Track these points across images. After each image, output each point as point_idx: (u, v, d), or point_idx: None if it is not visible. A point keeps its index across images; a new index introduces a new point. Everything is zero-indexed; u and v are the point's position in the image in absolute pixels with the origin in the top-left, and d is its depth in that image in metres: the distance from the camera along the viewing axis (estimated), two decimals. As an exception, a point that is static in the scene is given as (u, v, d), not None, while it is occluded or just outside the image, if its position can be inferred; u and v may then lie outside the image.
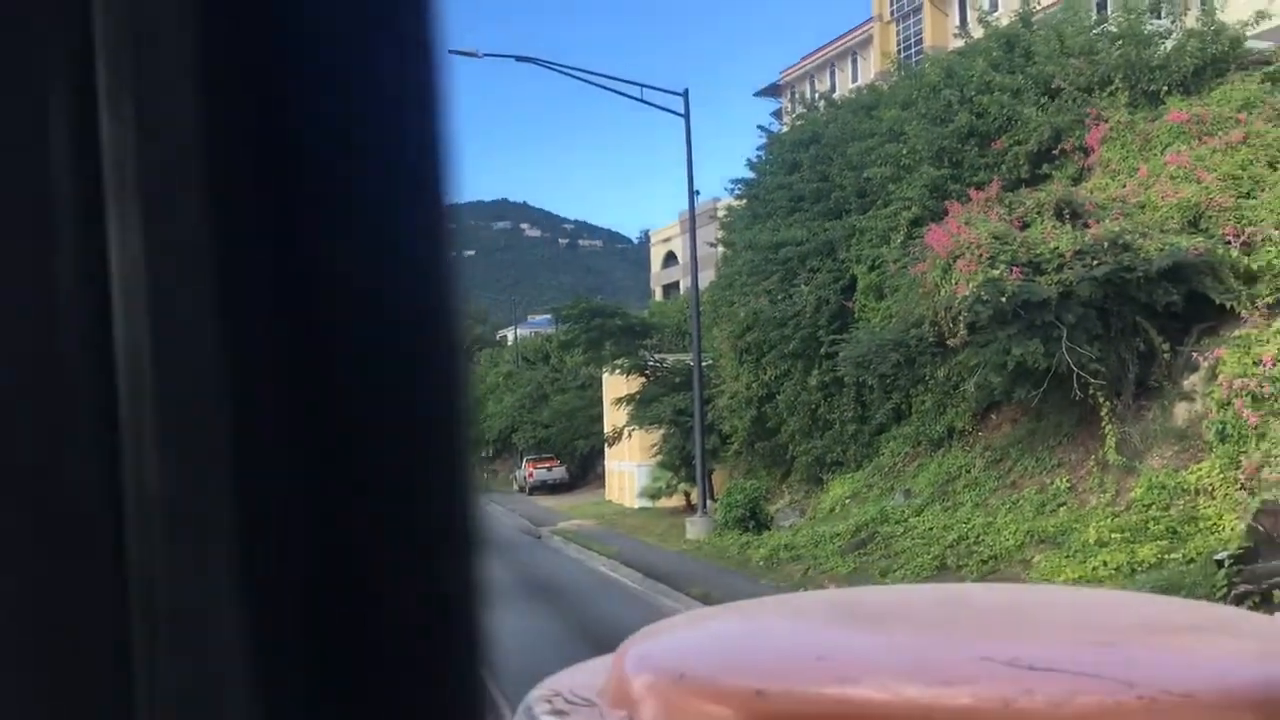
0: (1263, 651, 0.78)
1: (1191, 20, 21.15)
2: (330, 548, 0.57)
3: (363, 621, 0.58)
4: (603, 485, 43.15)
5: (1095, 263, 14.93)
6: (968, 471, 18.67)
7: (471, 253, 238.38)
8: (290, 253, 0.57)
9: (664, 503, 31.58)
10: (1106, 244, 15.10)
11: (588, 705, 0.85)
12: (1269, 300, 14.73)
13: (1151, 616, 0.91)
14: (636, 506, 34.59)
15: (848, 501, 21.17)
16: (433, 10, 0.63)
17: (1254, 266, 15.05)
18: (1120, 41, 20.22)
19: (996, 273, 15.05)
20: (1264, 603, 10.42)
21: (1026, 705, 0.64)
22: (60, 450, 0.55)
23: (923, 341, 18.08)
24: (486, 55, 26.33)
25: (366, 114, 0.60)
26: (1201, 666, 0.74)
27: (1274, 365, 13.32)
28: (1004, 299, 14.89)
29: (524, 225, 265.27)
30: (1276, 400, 13.09)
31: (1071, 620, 0.90)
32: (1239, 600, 10.47)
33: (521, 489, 49.78)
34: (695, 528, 24.63)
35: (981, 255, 15.43)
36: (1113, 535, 13.88)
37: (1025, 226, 16.22)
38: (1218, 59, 19.27)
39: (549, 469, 48.92)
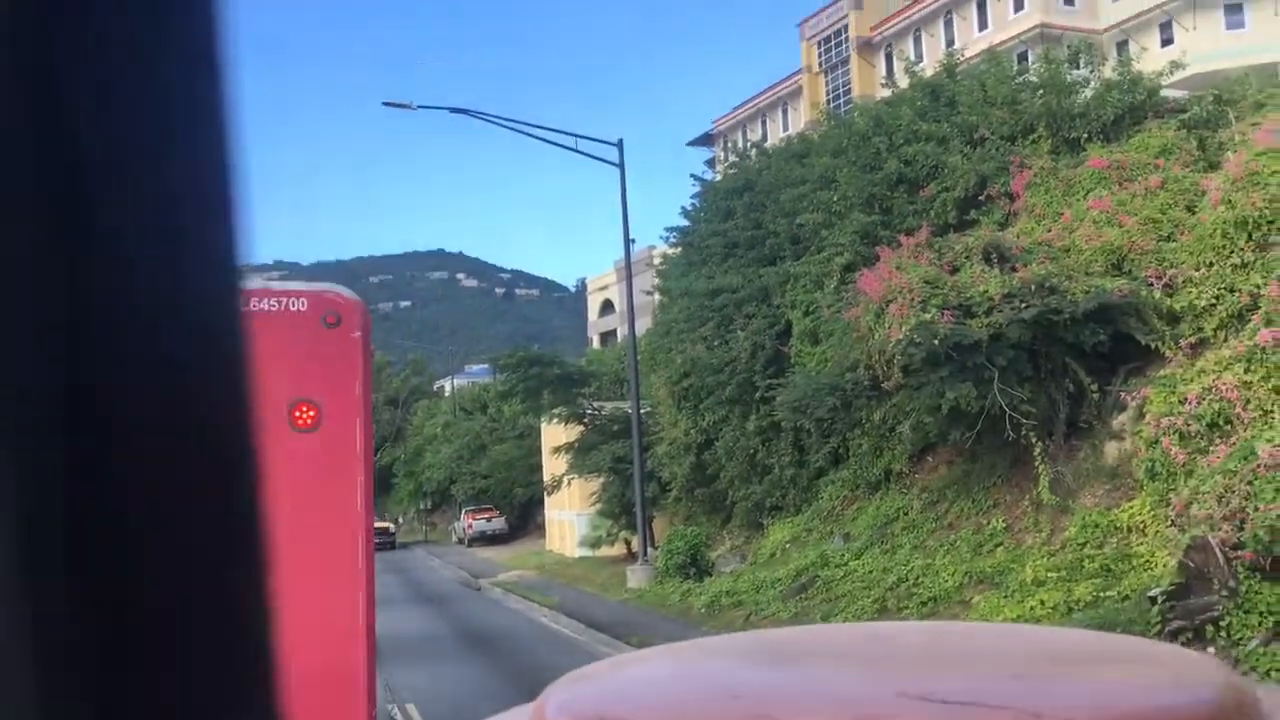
0: (1165, 680, 0.79)
1: (1109, 70, 21.82)
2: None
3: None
4: (543, 535, 42.79)
5: (1024, 305, 15.22)
6: (905, 514, 18.81)
7: (408, 303, 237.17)
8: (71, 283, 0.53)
9: (605, 551, 31.39)
10: (1034, 287, 15.41)
11: None
12: (1192, 340, 15.10)
13: (1063, 648, 0.93)
14: (577, 556, 34.35)
15: (788, 546, 21.20)
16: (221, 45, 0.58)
17: (1176, 307, 15.44)
18: (1042, 91, 20.78)
19: (928, 316, 15.27)
20: (1197, 638, 10.58)
21: None
22: None
23: (858, 385, 18.26)
24: (421, 107, 26.40)
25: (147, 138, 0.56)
26: (1105, 695, 0.75)
27: (1199, 404, 13.61)
28: (936, 342, 15.10)
29: (460, 275, 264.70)
30: (1202, 438, 13.37)
31: (986, 654, 0.91)
32: (1173, 636, 10.62)
33: (461, 541, 49.21)
34: (636, 576, 24.50)
35: (913, 299, 15.66)
36: (1049, 574, 14.03)
37: (955, 271, 16.50)
38: (1135, 107, 19.88)
39: (488, 519, 48.43)
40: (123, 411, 0.54)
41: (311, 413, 4.73)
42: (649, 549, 25.60)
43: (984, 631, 1.13)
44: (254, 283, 5.17)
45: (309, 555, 4.50)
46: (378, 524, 33.19)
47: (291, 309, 4.79)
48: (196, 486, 0.56)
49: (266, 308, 4.75)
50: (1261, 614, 10.27)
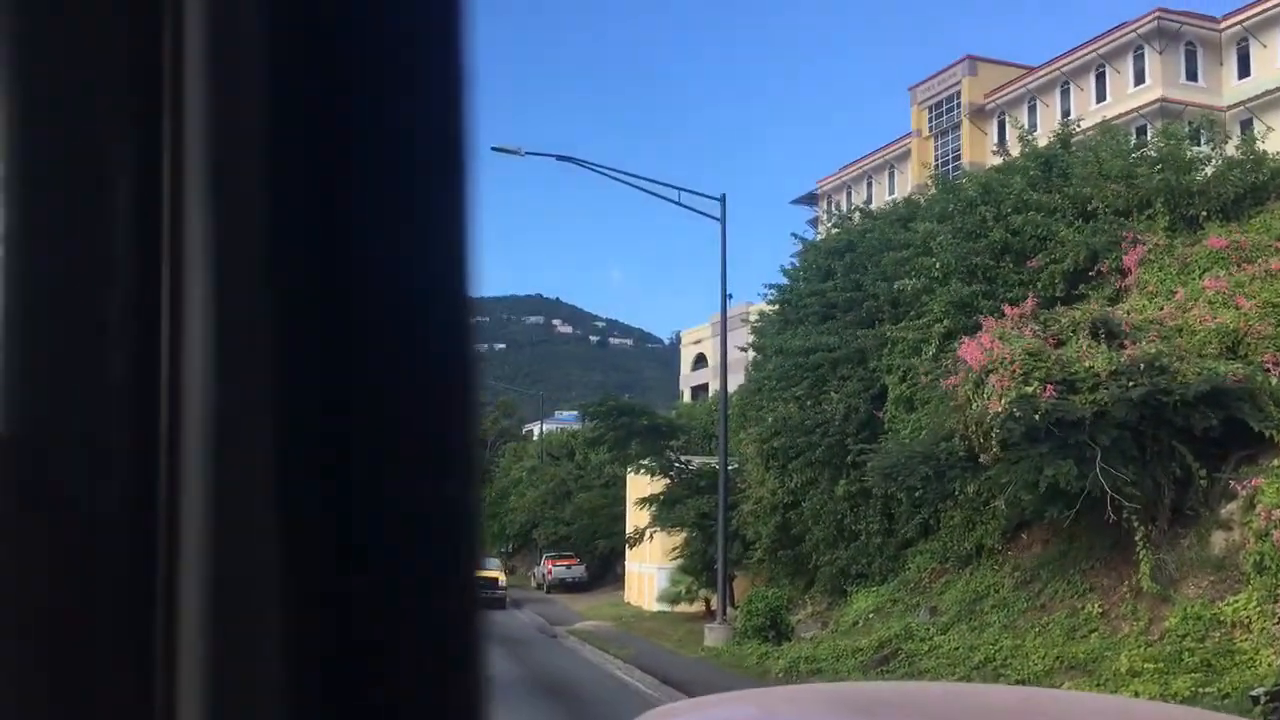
0: None
1: (1231, 148, 21.28)
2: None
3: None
4: (622, 586, 42.61)
5: (1131, 384, 14.77)
6: (996, 591, 18.28)
7: (503, 346, 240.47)
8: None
9: (683, 608, 31.10)
10: (1143, 365, 14.96)
11: None
12: (1309, 431, 14.50)
13: None
14: (655, 610, 34.08)
15: (871, 616, 20.75)
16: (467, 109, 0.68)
17: (1294, 396, 14.86)
18: (1160, 166, 20.34)
19: (1030, 389, 14.90)
20: (1304, 744, 10.04)
21: None
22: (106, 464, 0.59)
23: (953, 455, 17.87)
24: (529, 154, 26.81)
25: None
26: None
27: (1314, 497, 13.05)
28: (1037, 416, 14.72)
29: (556, 321, 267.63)
30: (1316, 533, 12.79)
31: None
32: (1278, 740, 10.10)
33: (539, 586, 49.24)
34: (714, 635, 24.19)
35: (1015, 371, 15.31)
36: (1145, 665, 13.49)
37: (1060, 345, 16.11)
38: (1258, 187, 19.35)
39: (568, 567, 48.42)
40: (379, 420, 0.63)
41: None
42: (728, 608, 25.29)
43: (1079, 701, 1.04)
44: None
45: None
46: (485, 573, 33.19)
47: None
48: (434, 492, 0.66)
49: None
50: (1375, 725, 9.70)
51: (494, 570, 40.08)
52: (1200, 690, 12.44)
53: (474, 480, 0.68)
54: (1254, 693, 10.84)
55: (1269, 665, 11.87)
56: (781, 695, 0.94)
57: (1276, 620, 12.58)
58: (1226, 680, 12.38)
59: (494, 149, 26.78)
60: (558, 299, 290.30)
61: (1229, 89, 44.33)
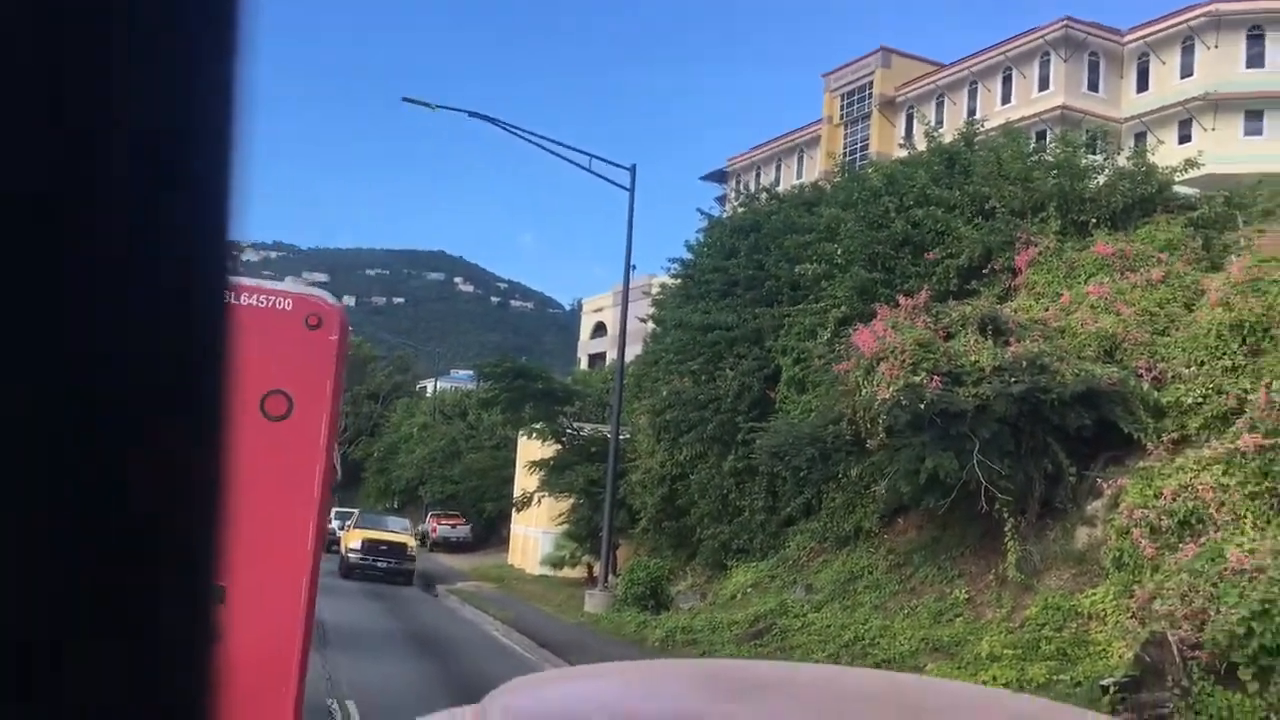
0: None
1: (1123, 159, 21.98)
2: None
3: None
4: (506, 548, 42.62)
5: (1013, 380, 15.25)
6: (870, 572, 18.76)
7: (401, 300, 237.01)
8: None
9: (566, 573, 31.26)
10: (1025, 363, 15.45)
11: None
12: (1174, 436, 15.14)
13: (1012, 713, 0.92)
14: (537, 573, 34.18)
15: (749, 590, 21.12)
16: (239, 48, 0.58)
17: (1163, 401, 15.49)
18: (1056, 171, 20.92)
19: (918, 379, 15.29)
20: (1145, 733, 10.55)
21: None
22: None
23: (839, 439, 18.25)
24: (441, 108, 26.42)
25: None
26: None
27: (1174, 500, 13.63)
28: (923, 406, 15.11)
29: (458, 279, 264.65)
30: (1173, 534, 13.38)
31: (939, 710, 0.90)
32: (1121, 728, 10.59)
33: (423, 544, 48.96)
34: (594, 601, 24.38)
35: (905, 361, 15.68)
36: (1005, 651, 13.99)
37: (949, 337, 16.54)
38: (1146, 199, 20.01)
39: (453, 526, 48.25)
40: (104, 385, 0.55)
41: (283, 403, 5.10)
42: (610, 576, 25.49)
43: (938, 689, 1.11)
44: (248, 279, 5.70)
45: (265, 536, 4.83)
46: (390, 537, 31.97)
47: (278, 307, 5.22)
48: (168, 463, 0.57)
49: (256, 303, 5.18)
50: (1210, 717, 10.24)
51: (402, 534, 33.71)
52: (1054, 678, 12.95)
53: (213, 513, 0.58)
54: (1104, 682, 11.31)
55: (1120, 657, 12.39)
56: (643, 670, 0.98)
57: (1130, 614, 13.13)
58: (1079, 669, 12.90)
59: (405, 100, 26.33)
60: (461, 257, 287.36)
61: (1127, 101, 45.76)
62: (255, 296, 5.24)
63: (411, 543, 33.14)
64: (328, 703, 12.57)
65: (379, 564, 31.49)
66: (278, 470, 5.11)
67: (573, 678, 0.92)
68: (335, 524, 38.38)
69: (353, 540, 32.55)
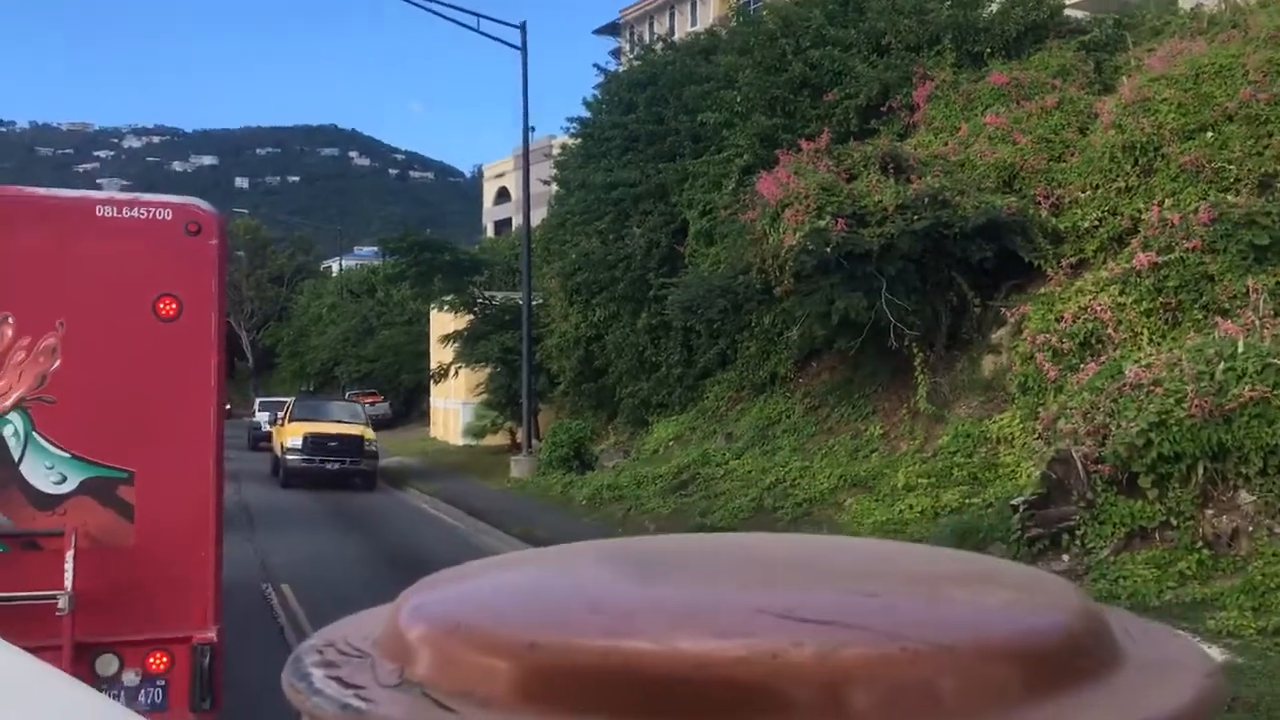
0: (1020, 603, 0.80)
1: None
2: None
3: None
4: (427, 422, 42.67)
5: (916, 218, 15.39)
6: (787, 417, 19.17)
7: (296, 179, 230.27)
8: None
9: (489, 441, 31.44)
10: (927, 199, 15.58)
11: (360, 656, 0.79)
12: (1073, 260, 15.51)
13: (921, 569, 0.93)
14: (461, 444, 34.35)
15: (671, 444, 21.48)
16: None
17: (1061, 227, 15.80)
18: (949, 2, 20.77)
19: (823, 223, 15.34)
20: (1053, 546, 11.07)
21: (795, 657, 0.63)
22: None
23: (750, 288, 18.36)
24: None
25: None
26: (964, 617, 0.76)
27: (1074, 323, 14.05)
28: (829, 249, 15.21)
29: (353, 153, 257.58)
30: (1074, 356, 13.83)
31: (848, 572, 0.90)
32: (1031, 543, 11.09)
33: (344, 424, 48.69)
34: (519, 467, 24.63)
35: (809, 205, 15.71)
36: (920, 480, 14.50)
37: (852, 179, 16.58)
38: (1038, 25, 20.02)
39: (372, 404, 48.05)
40: None
41: (173, 305, 5.55)
42: (533, 440, 25.70)
43: (848, 547, 1.11)
44: (128, 194, 6.09)
45: (168, 426, 5.42)
46: (338, 429, 26.72)
47: (158, 218, 5.61)
48: None
49: (137, 215, 5.60)
50: (1114, 525, 10.76)
51: (354, 423, 26.83)
52: (966, 501, 13.49)
53: None
54: (1014, 501, 11.78)
55: (1028, 477, 12.89)
56: (551, 555, 0.97)
57: (1036, 436, 13.64)
58: (990, 491, 13.44)
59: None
60: (354, 130, 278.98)
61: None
62: (138, 209, 5.61)
63: (369, 434, 26.46)
64: (262, 587, 12.61)
65: (328, 465, 25.00)
66: (175, 366, 5.55)
67: (484, 571, 0.91)
68: (263, 417, 36.93)
69: (291, 437, 25.65)
